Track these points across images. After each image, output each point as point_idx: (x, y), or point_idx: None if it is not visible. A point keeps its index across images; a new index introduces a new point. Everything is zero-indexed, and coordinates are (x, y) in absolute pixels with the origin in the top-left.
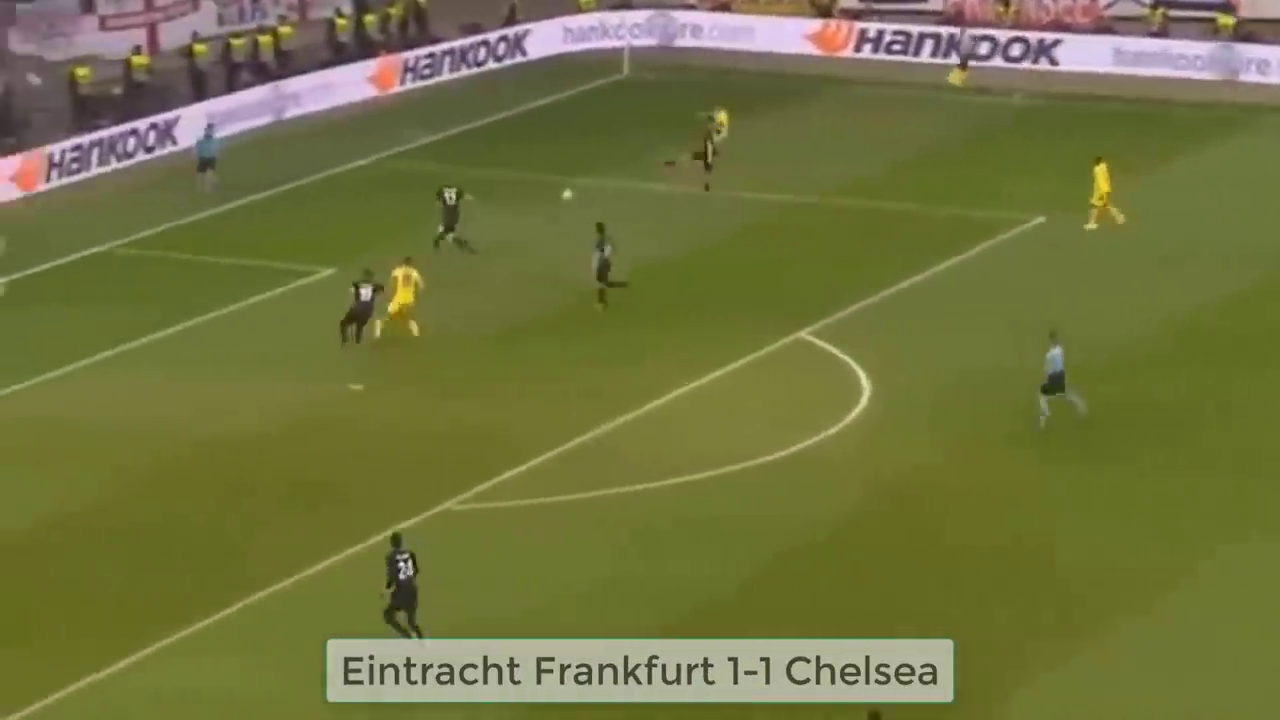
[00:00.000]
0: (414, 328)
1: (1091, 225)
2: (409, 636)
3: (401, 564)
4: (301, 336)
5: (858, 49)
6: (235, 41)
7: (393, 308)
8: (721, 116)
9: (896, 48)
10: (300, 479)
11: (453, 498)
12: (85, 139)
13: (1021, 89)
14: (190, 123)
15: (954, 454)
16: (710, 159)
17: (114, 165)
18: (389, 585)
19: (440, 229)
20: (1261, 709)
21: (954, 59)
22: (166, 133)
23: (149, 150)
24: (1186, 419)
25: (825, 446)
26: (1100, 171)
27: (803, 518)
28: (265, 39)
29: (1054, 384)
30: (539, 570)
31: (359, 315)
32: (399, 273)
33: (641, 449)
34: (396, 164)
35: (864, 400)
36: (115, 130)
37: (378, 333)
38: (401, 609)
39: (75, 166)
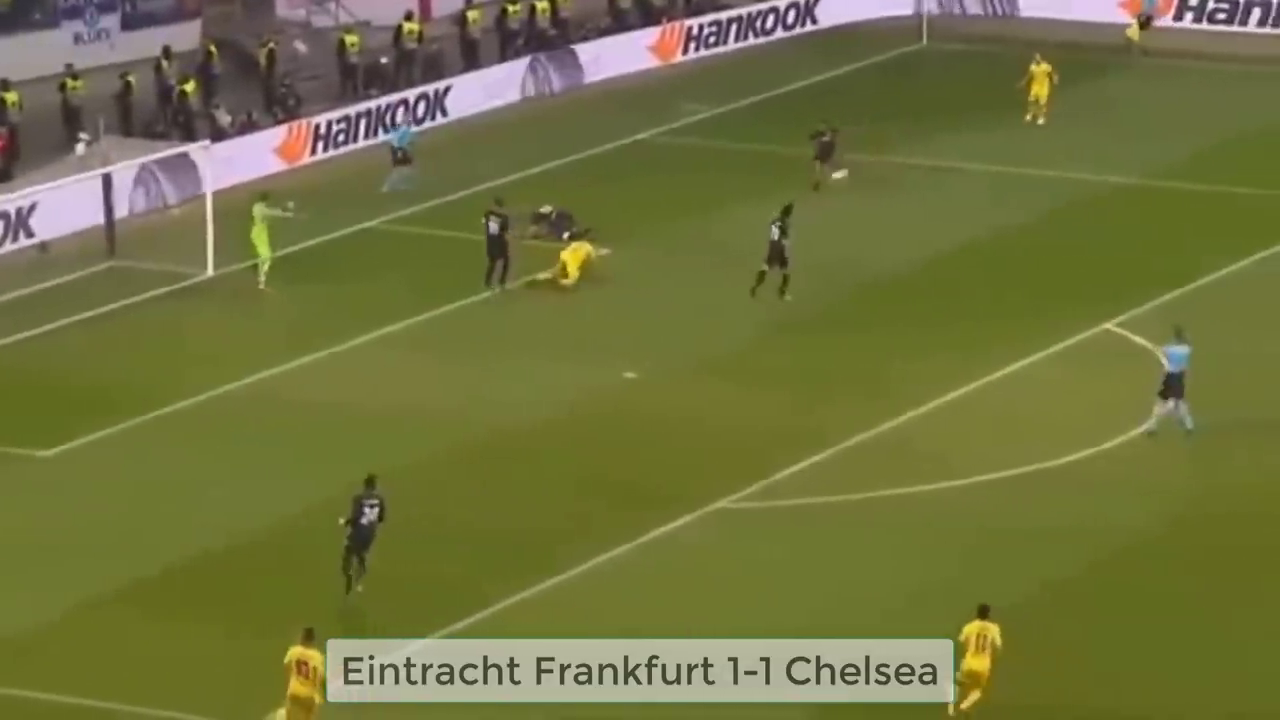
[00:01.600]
0: (566, 282)
1: None
2: (349, 581)
3: (367, 508)
4: (572, 320)
5: (1178, 17)
6: (511, 8)
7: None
8: (1041, 68)
9: (1221, 16)
10: (569, 472)
11: (728, 495)
12: (352, 110)
13: None
14: (462, 93)
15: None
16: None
17: (382, 137)
18: (347, 523)
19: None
20: None
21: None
22: (437, 103)
23: (418, 122)
24: None
25: (1130, 448)
26: None
27: (1106, 525)
28: (542, 5)
29: (1168, 386)
30: (815, 574)
31: (491, 251)
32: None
33: (932, 447)
34: (674, 139)
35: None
36: (383, 100)
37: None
38: (355, 552)
39: (341, 138)
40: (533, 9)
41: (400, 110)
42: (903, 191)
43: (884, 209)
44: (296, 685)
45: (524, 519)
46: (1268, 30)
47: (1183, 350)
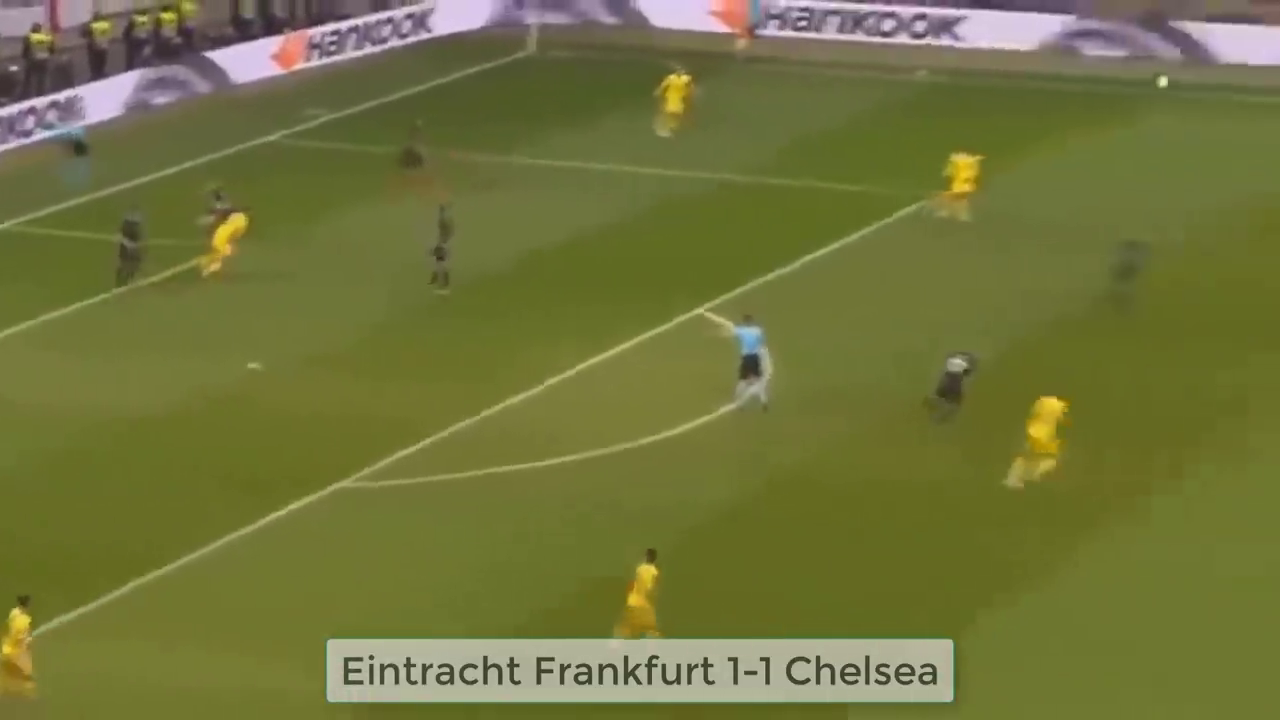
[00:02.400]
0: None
1: (944, 214)
2: None
3: None
4: (200, 316)
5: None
6: (139, 19)
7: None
8: (680, 79)
9: (802, 24)
10: (193, 459)
11: (343, 479)
12: None
13: (926, 66)
14: (91, 101)
15: (852, 433)
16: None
17: (13, 144)
18: None
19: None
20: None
21: (859, 34)
22: (67, 111)
23: (48, 128)
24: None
25: (720, 424)
26: (961, 161)
27: (695, 500)
28: (168, 16)
29: (745, 366)
30: (425, 548)
31: (121, 253)
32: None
33: (536, 428)
34: (298, 142)
35: (764, 377)
36: (15, 108)
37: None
38: None
39: None
40: (159, 19)
41: (30, 119)
42: (512, 190)
43: (493, 207)
44: (4, 645)
45: (147, 508)
46: (845, 36)
47: (753, 332)
